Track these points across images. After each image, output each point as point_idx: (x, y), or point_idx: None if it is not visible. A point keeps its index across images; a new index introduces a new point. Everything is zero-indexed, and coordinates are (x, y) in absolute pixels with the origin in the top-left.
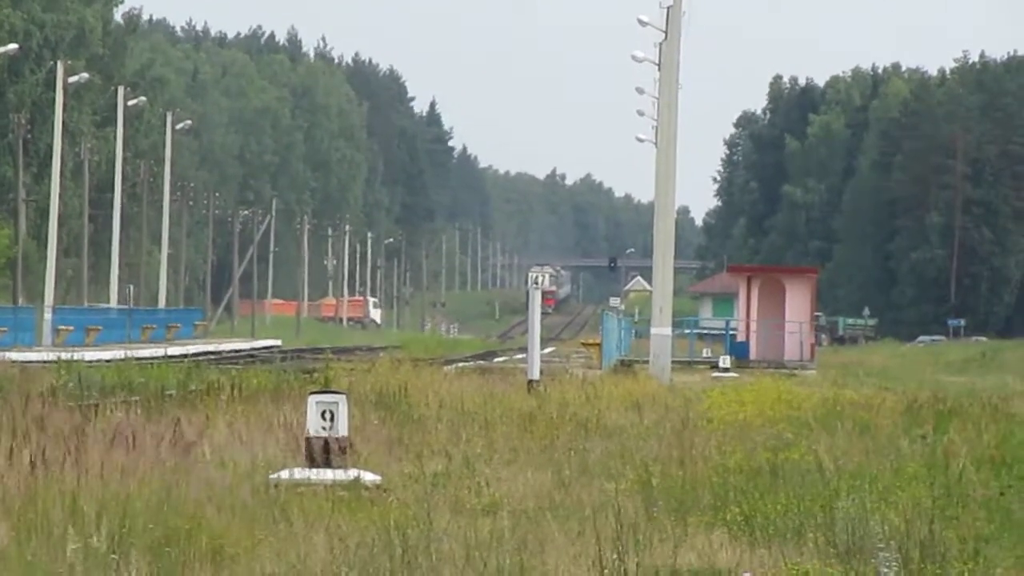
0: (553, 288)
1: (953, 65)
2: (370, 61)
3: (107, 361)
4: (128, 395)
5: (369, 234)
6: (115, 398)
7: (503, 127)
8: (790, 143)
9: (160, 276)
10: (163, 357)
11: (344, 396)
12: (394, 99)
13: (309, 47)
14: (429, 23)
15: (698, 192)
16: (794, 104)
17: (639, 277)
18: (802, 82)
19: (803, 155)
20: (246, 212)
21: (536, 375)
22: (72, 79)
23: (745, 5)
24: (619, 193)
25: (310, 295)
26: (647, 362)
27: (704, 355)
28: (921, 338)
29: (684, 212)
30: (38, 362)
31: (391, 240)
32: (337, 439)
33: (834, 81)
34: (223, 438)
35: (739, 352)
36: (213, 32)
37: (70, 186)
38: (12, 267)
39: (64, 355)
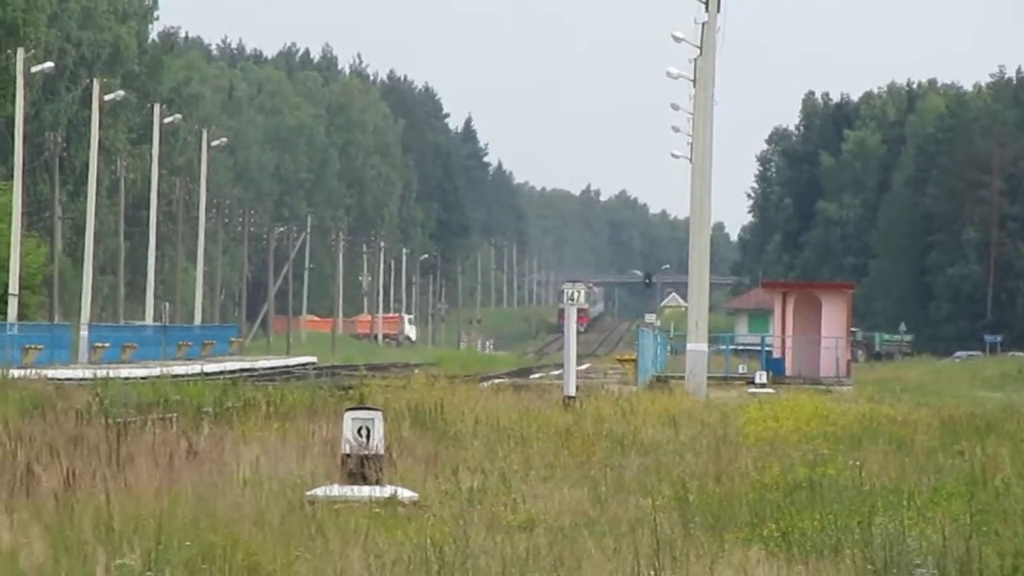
0: (586, 306)
1: (989, 80)
2: (405, 78)
3: (143, 378)
4: (164, 412)
5: (404, 250)
6: (151, 415)
7: (538, 143)
8: (824, 159)
9: (196, 293)
10: (199, 374)
11: (380, 412)
12: (429, 115)
13: (344, 64)
14: (464, 40)
15: (733, 208)
16: (828, 120)
17: (674, 293)
18: (835, 98)
19: (838, 171)
20: (281, 229)
21: (572, 391)
22: (108, 97)
23: (779, 21)
24: (654, 209)
25: (345, 312)
26: (683, 378)
27: (740, 371)
28: (957, 353)
29: (719, 228)
30: (74, 379)
31: (426, 256)
32: (373, 456)
33: (868, 97)
34: (259, 455)
35: (775, 368)
36: (248, 49)
37: (106, 204)
38: (48, 284)
39: (100, 372)
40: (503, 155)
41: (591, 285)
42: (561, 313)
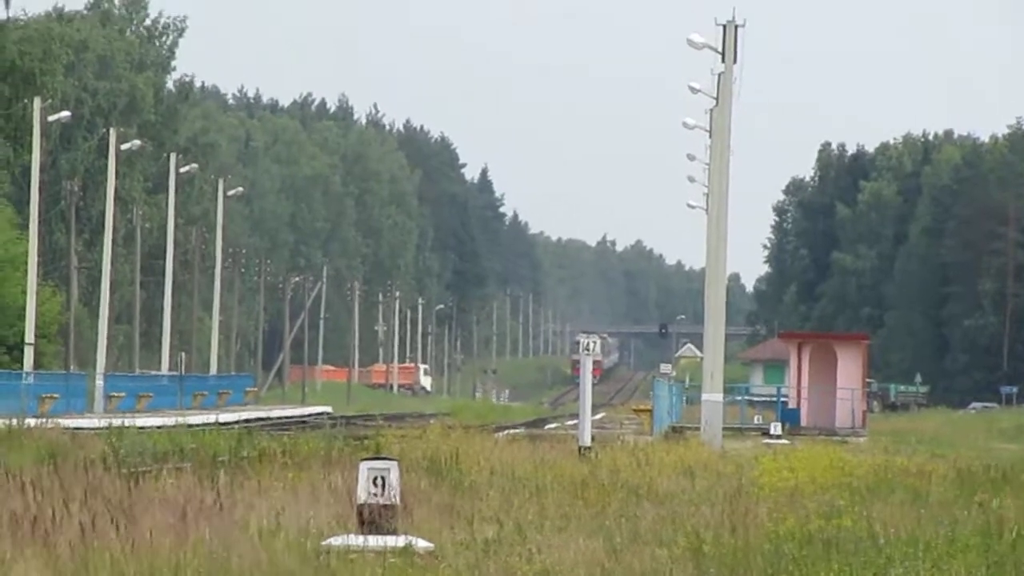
0: (600, 357)
1: (1005, 131)
2: (422, 128)
3: (158, 427)
4: (179, 461)
5: (420, 300)
6: (166, 464)
7: (554, 193)
8: (840, 210)
9: (211, 342)
10: (214, 423)
11: (395, 462)
12: (445, 165)
13: (360, 114)
14: (480, 90)
15: (749, 258)
16: (844, 171)
17: (690, 344)
18: (851, 149)
19: (853, 221)
20: (297, 278)
21: (587, 441)
22: (124, 146)
23: (795, 72)
24: (670, 260)
25: (361, 361)
26: (698, 428)
27: (755, 422)
28: (973, 405)
29: (735, 278)
30: (89, 429)
31: (442, 306)
32: (389, 505)
33: (884, 148)
34: (274, 504)
35: (790, 419)
36: (264, 99)
37: (122, 253)
38: (64, 334)
39: (115, 421)
40: (519, 205)
41: (605, 336)
42: (575, 364)
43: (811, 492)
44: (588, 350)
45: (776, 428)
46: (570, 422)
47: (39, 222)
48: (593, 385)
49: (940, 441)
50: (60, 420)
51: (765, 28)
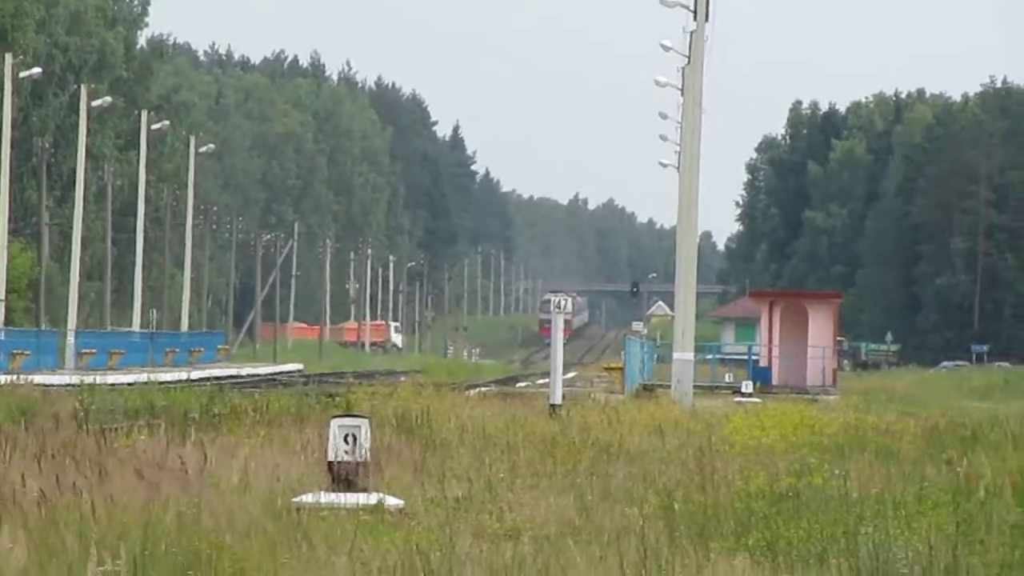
0: (569, 316)
1: (977, 90)
2: (393, 85)
3: (130, 384)
4: (151, 419)
5: (391, 258)
6: (138, 421)
7: (526, 151)
8: (812, 168)
9: (183, 300)
10: (186, 381)
11: (366, 420)
12: (417, 123)
13: (332, 71)
14: (452, 47)
15: (720, 217)
16: (816, 129)
17: (661, 302)
18: (823, 108)
19: (825, 180)
20: (268, 236)
21: (558, 399)
22: (95, 103)
23: (767, 30)
24: (642, 218)
25: (332, 319)
26: (669, 386)
27: (726, 380)
28: (944, 364)
29: (706, 237)
30: (61, 385)
31: (413, 264)
32: (359, 463)
33: (856, 106)
34: (245, 461)
35: (761, 377)
36: (236, 56)
37: (93, 210)
38: (35, 290)
39: (87, 378)
40: (490, 163)
41: (574, 294)
42: (543, 324)
43: (782, 450)
44: (559, 308)
45: (747, 386)
46: (541, 380)
47: (10, 179)
48: (564, 344)
49: (911, 400)
50: (31, 377)
51: None
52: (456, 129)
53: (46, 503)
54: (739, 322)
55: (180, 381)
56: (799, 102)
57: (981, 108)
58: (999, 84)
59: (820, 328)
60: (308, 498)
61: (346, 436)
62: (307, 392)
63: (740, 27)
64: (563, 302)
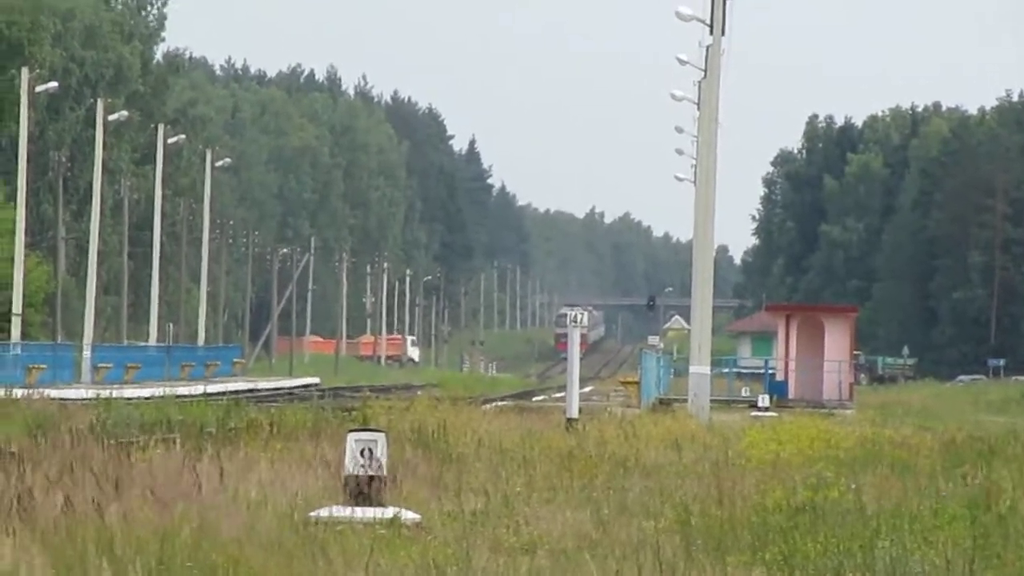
0: (585, 330)
1: (994, 104)
2: (409, 99)
3: (146, 398)
4: (167, 433)
5: (408, 272)
6: (154, 435)
7: (542, 165)
8: (828, 182)
9: (199, 314)
10: (202, 395)
11: (383, 434)
12: (433, 137)
13: (349, 85)
14: (468, 61)
15: (736, 230)
16: (831, 143)
17: (677, 316)
18: (839, 121)
19: (841, 194)
20: (285, 250)
21: (575, 413)
22: (112, 117)
23: (784, 44)
24: (658, 232)
25: (348, 333)
26: (686, 401)
27: (743, 394)
28: (960, 377)
29: (723, 251)
30: (77, 399)
31: (429, 278)
32: (376, 477)
33: (872, 120)
34: (262, 476)
35: (778, 391)
36: (252, 70)
37: (109, 224)
38: (51, 304)
39: (103, 392)
40: (506, 177)
41: (590, 308)
42: (558, 338)
43: (798, 464)
44: (576, 322)
45: (764, 400)
46: (557, 394)
47: (27, 193)
48: (580, 358)
49: (927, 414)
50: (47, 391)
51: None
52: (472, 143)
53: (64, 517)
54: (755, 336)
55: (196, 395)
56: (815, 116)
57: (998, 122)
58: (1015, 98)
59: (836, 342)
60: (325, 512)
61: (362, 450)
62: (323, 406)
63: (756, 41)
64: (579, 316)
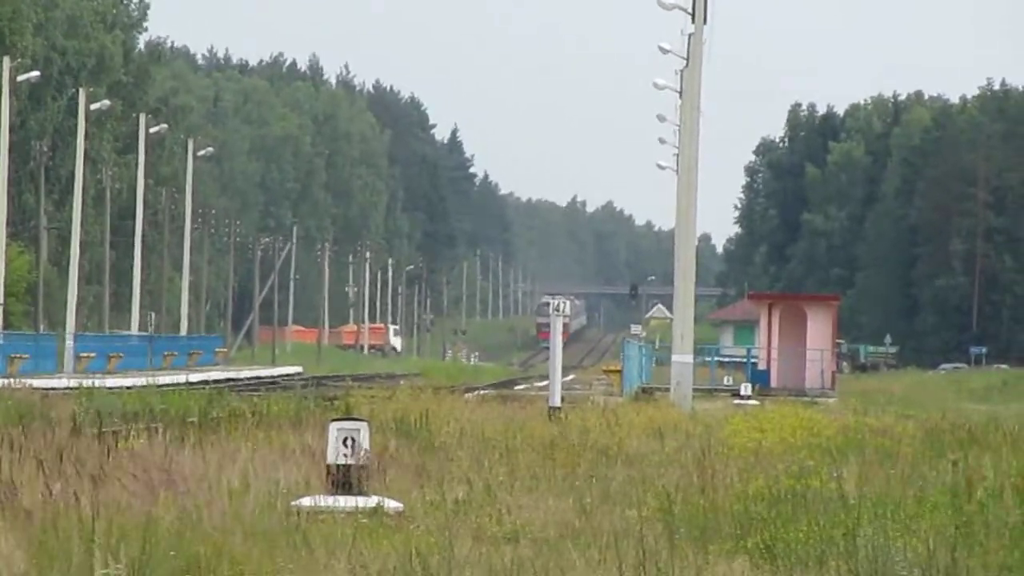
0: (567, 319)
1: (975, 93)
2: (392, 88)
3: (128, 388)
4: (150, 422)
5: (390, 261)
6: (137, 425)
7: (524, 154)
8: (810, 171)
9: (181, 303)
10: (184, 384)
11: (365, 423)
12: (415, 126)
13: (331, 74)
14: (450, 50)
15: (719, 219)
16: (813, 131)
17: (660, 304)
18: (821, 110)
19: (823, 183)
20: (267, 239)
21: (557, 402)
22: (94, 106)
23: (766, 32)
24: (640, 220)
25: (331, 322)
26: (668, 389)
27: (725, 383)
28: (943, 366)
29: (705, 239)
30: (60, 389)
31: (412, 267)
32: (359, 466)
33: (854, 109)
34: (244, 465)
35: (760, 380)
36: (234, 59)
37: (91, 213)
38: (33, 294)
39: (86, 382)
40: (489, 166)
41: (572, 297)
42: (540, 327)
43: (780, 452)
44: (558, 311)
45: (746, 389)
46: (540, 383)
47: (8, 182)
48: (562, 347)
49: (909, 402)
50: (30, 380)
51: None
52: (454, 132)
53: (45, 507)
54: (738, 324)
55: (179, 384)
56: (797, 104)
57: (979, 110)
58: (997, 86)
59: (819, 330)
60: (307, 501)
61: (345, 439)
62: (306, 395)
63: (739, 29)
64: (561, 305)
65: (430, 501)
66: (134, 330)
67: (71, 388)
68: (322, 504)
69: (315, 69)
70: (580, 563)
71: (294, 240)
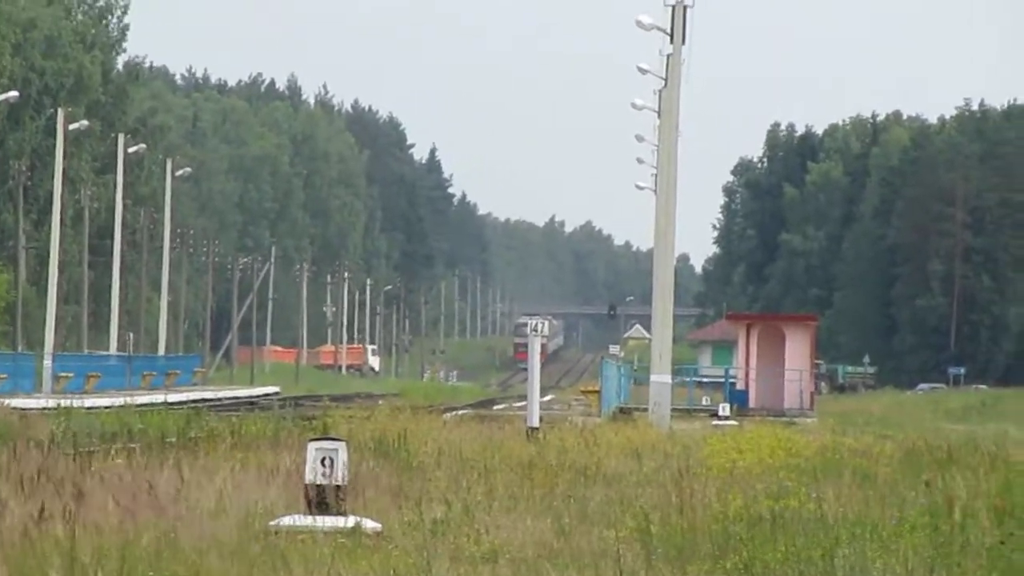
0: (544, 340)
1: (953, 113)
2: (370, 108)
3: (107, 408)
4: (128, 442)
5: (368, 281)
6: (115, 445)
7: (502, 174)
8: (788, 191)
9: (160, 323)
10: (163, 404)
11: (343, 443)
12: (393, 146)
13: (309, 94)
14: (429, 71)
15: (697, 239)
16: (792, 152)
17: (638, 325)
18: (800, 130)
19: (801, 203)
20: (245, 259)
21: (535, 422)
22: (72, 126)
23: (744, 53)
24: (619, 240)
25: (309, 342)
26: (646, 410)
27: (703, 403)
28: (921, 386)
29: (683, 259)
30: (38, 409)
31: (390, 287)
32: (337, 486)
33: (833, 129)
34: (223, 485)
35: (738, 400)
36: (213, 79)
37: (70, 233)
38: (12, 313)
39: (64, 402)
40: (467, 186)
41: (550, 318)
42: (517, 348)
43: (759, 473)
44: (536, 331)
45: (724, 409)
46: (518, 403)
47: None
48: (524, 370)
49: (888, 422)
50: (7, 400)
51: (714, 8)
52: (433, 152)
53: (23, 527)
54: (716, 345)
55: (157, 404)
56: (776, 124)
57: (957, 130)
58: (975, 107)
59: (797, 351)
60: (285, 521)
61: (323, 459)
62: (284, 415)
63: (717, 50)
64: (539, 325)
65: (408, 521)
66: (112, 350)
67: (49, 408)
68: (300, 524)
69: (293, 89)
70: None
71: (272, 260)
